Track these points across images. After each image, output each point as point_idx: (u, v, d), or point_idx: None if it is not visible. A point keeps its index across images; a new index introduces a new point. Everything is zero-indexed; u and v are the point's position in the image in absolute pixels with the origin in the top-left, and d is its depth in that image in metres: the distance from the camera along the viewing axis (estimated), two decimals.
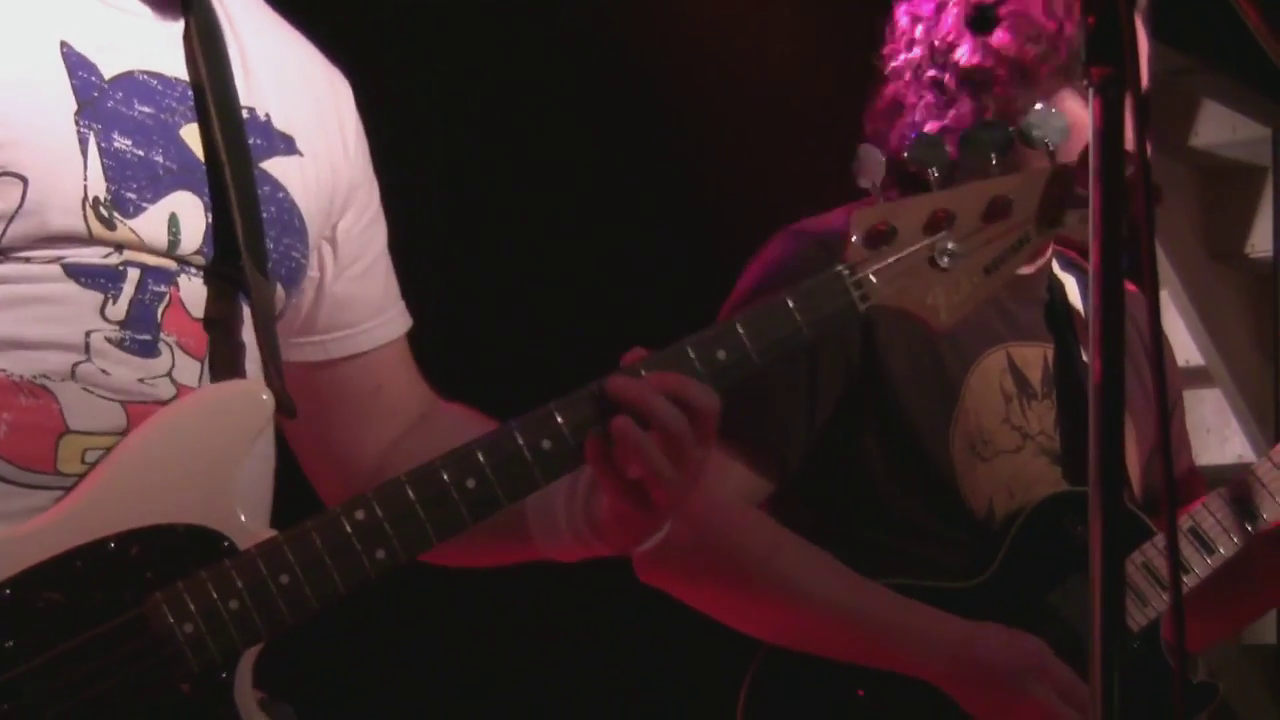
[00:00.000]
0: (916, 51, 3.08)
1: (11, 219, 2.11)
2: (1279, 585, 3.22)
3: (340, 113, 2.43)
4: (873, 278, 2.28)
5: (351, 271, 2.42)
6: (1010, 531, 2.99)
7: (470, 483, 2.17)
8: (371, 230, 2.45)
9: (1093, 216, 1.80)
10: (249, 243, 2.23)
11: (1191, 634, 3.20)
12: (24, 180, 2.11)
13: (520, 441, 2.18)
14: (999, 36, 2.97)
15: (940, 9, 3.04)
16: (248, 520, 2.16)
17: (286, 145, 2.33)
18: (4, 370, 2.12)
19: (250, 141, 2.28)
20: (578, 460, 2.19)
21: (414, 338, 2.52)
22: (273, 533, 2.17)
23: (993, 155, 2.30)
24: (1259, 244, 6.00)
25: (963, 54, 3.02)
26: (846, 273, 2.28)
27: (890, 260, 2.28)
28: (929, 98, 3.06)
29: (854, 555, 2.98)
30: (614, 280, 4.44)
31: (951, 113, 3.05)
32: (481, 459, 2.18)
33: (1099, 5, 1.78)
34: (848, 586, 2.94)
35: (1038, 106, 2.37)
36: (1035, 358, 3.11)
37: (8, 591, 2.08)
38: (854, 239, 2.28)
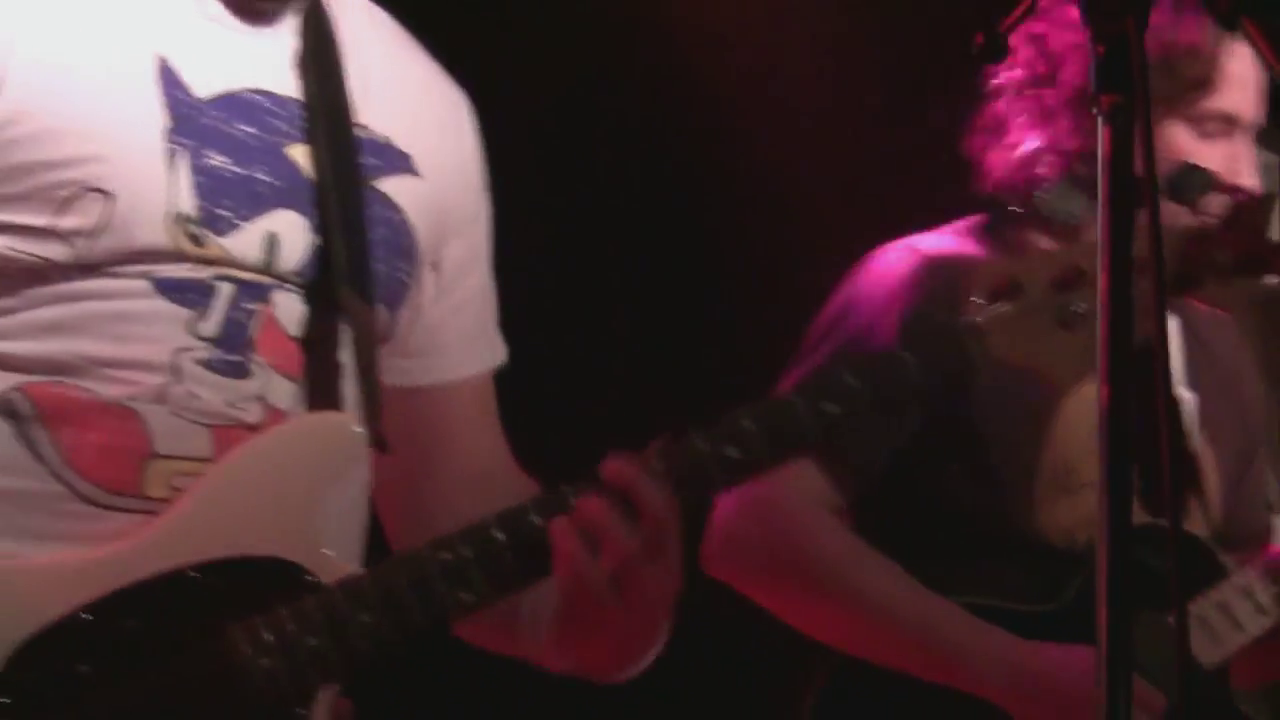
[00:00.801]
0: (1021, 70, 3.04)
1: (98, 234, 2.09)
2: None
3: (461, 137, 2.39)
4: (995, 334, 2.22)
5: (451, 299, 2.36)
6: (1088, 560, 2.97)
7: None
8: (478, 259, 2.40)
9: (1101, 243, 1.80)
10: (353, 265, 2.19)
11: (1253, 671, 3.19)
12: (110, 196, 2.08)
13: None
14: None
15: (1048, 28, 3.00)
16: (333, 555, 2.12)
17: (404, 165, 2.28)
18: (91, 391, 2.10)
19: (366, 161, 2.24)
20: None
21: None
22: (358, 569, 2.13)
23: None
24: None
25: (1072, 75, 2.98)
26: (967, 326, 2.23)
27: (1013, 317, 2.22)
28: (1030, 117, 3.02)
29: (926, 570, 2.96)
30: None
31: (1050, 133, 3.01)
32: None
33: (1109, 33, 1.79)
34: (916, 599, 2.92)
35: (1182, 161, 2.34)
36: None
37: (87, 616, 2.06)
38: (977, 292, 2.23)
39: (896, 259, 3.03)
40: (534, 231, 3.86)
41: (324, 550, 2.12)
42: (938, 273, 2.95)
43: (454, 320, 2.37)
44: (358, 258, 2.20)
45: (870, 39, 4.41)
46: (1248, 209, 2.35)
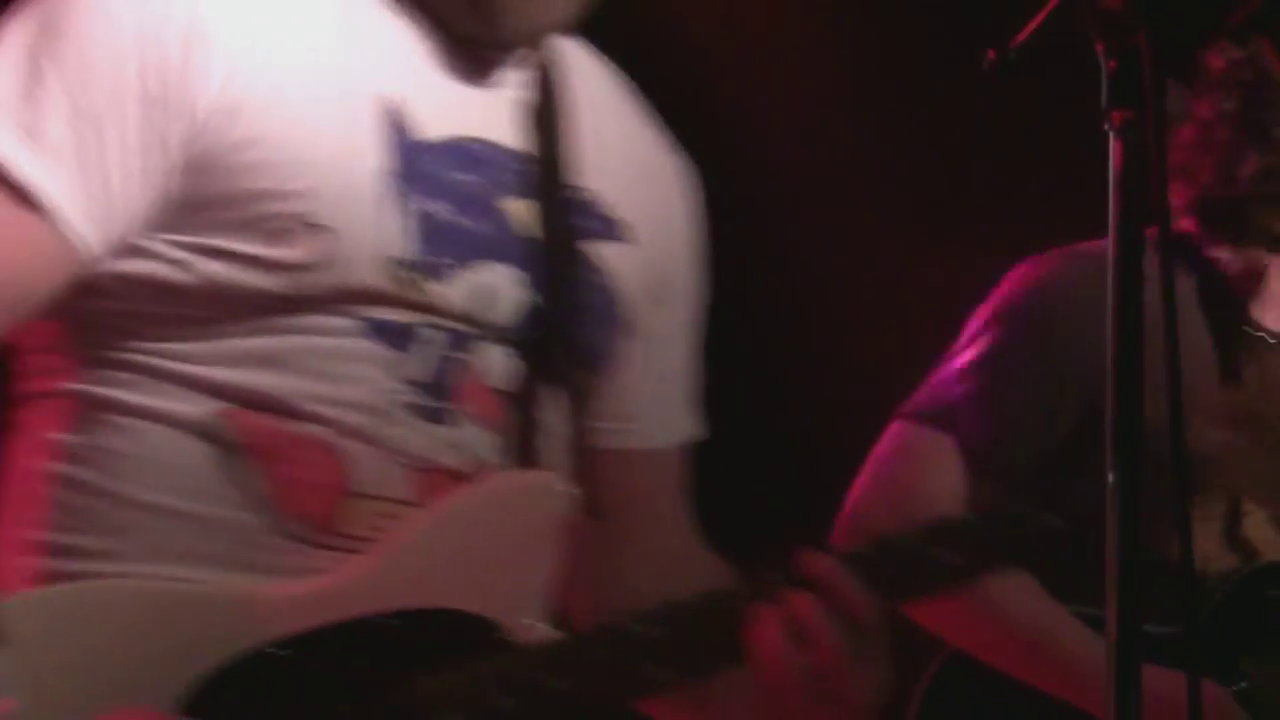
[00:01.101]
0: (1239, 93, 2.93)
1: (314, 270, 2.06)
2: None
3: (678, 207, 2.36)
4: None
5: (653, 366, 2.33)
6: (1221, 589, 2.95)
7: None
8: (683, 329, 2.37)
9: (1111, 263, 1.79)
10: (564, 325, 2.17)
11: None
12: (330, 232, 2.06)
13: None
14: None
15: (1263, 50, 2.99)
16: (532, 618, 2.10)
17: (615, 230, 2.25)
18: (294, 425, 2.08)
19: (581, 222, 2.21)
20: None
21: None
22: (557, 633, 2.11)
23: None
24: None
25: None
26: None
27: None
28: (1247, 136, 2.97)
29: (1051, 576, 2.93)
30: None
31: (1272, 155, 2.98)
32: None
33: (1120, 49, 1.77)
34: (1036, 604, 2.91)
35: None
36: None
37: (285, 652, 2.03)
38: None
39: (1065, 265, 3.03)
40: None
41: (524, 611, 2.10)
42: (1097, 283, 2.93)
43: (653, 389, 2.34)
44: (567, 318, 2.18)
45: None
46: None
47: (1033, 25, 1.82)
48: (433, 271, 2.10)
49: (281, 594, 2.05)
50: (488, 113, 2.19)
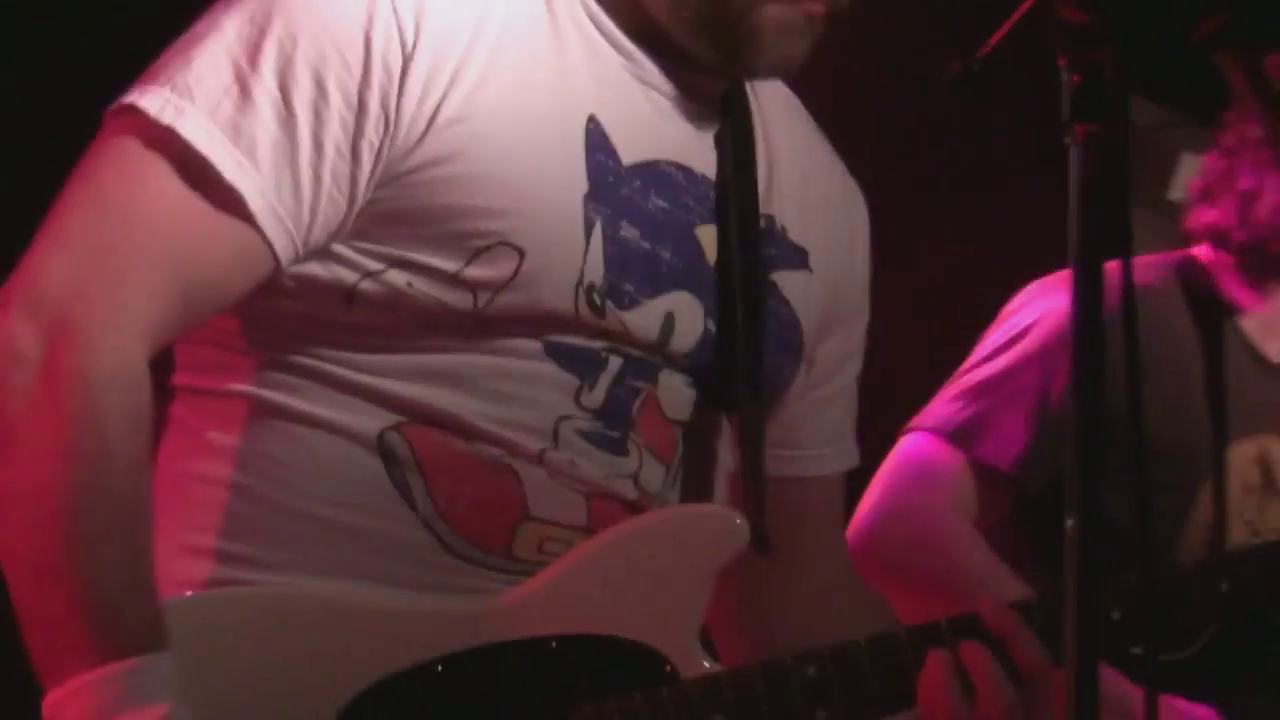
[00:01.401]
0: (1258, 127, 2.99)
1: (502, 289, 2.03)
2: None
3: (854, 233, 2.35)
4: None
5: (816, 394, 2.31)
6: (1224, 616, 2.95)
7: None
8: (851, 359, 2.36)
9: (1075, 273, 1.78)
10: (747, 356, 2.16)
11: None
12: (522, 253, 2.03)
13: None
14: None
15: None
16: (695, 649, 2.09)
17: (799, 259, 2.24)
18: (470, 444, 2.06)
19: (765, 251, 2.20)
20: None
21: None
22: (717, 667, 2.09)
23: None
24: (1182, 189, 6.00)
25: None
26: None
27: None
28: (1275, 170, 2.99)
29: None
30: None
31: None
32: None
33: (1085, 62, 1.77)
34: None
35: None
36: None
37: (440, 668, 2.02)
38: None
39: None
40: None
41: (687, 642, 2.09)
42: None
43: (816, 416, 2.33)
44: (752, 350, 2.17)
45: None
46: None
47: (996, 37, 1.81)
48: (622, 298, 2.09)
49: (449, 612, 2.04)
50: (682, 137, 2.17)
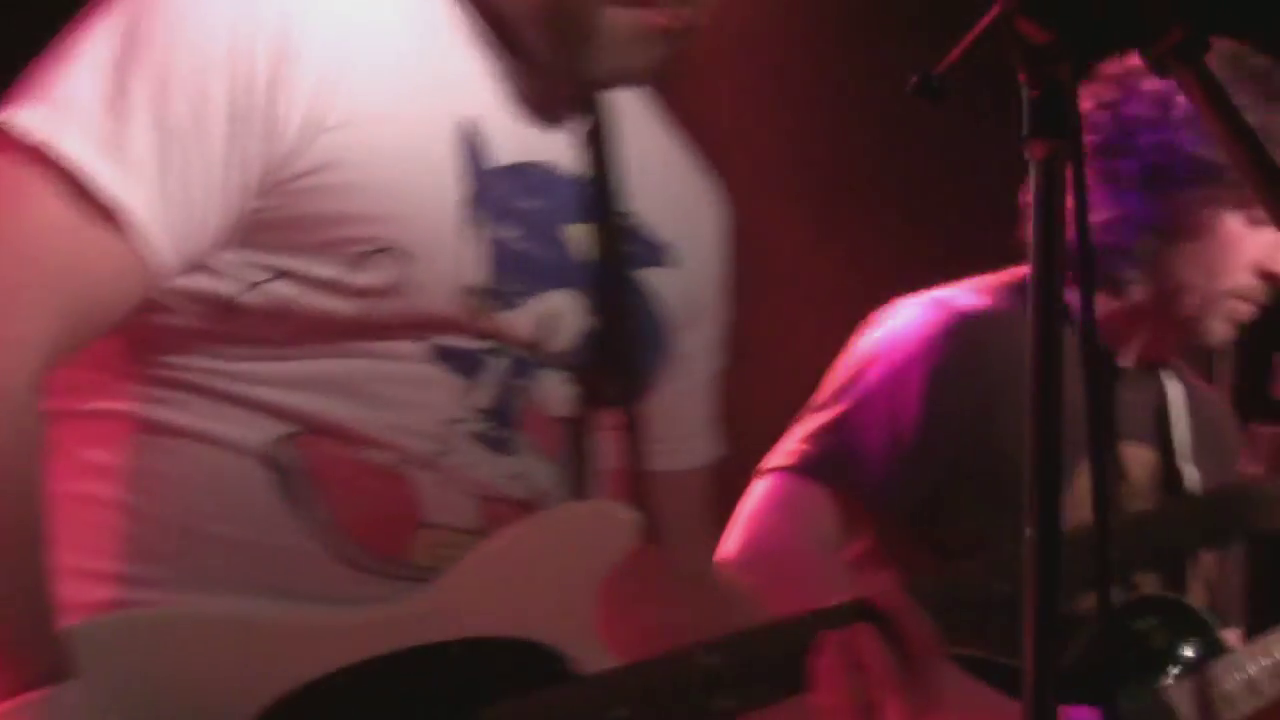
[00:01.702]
0: (1098, 136, 3.05)
1: (386, 295, 2.03)
2: None
3: (711, 227, 2.37)
4: None
5: (680, 387, 2.34)
6: (1085, 623, 2.96)
7: None
8: (710, 350, 2.39)
9: (1032, 289, 1.78)
10: (624, 351, 2.18)
11: None
12: (405, 257, 2.03)
13: None
14: (1184, 135, 2.98)
15: (1126, 96, 3.02)
16: (595, 645, 2.10)
17: (661, 256, 2.27)
18: (361, 451, 2.05)
19: (630, 247, 2.22)
20: None
21: None
22: (617, 661, 2.10)
23: None
24: None
25: (1147, 148, 3.01)
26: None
27: None
28: (1104, 182, 3.03)
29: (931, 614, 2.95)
30: None
31: (1123, 203, 3.03)
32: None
33: (1044, 78, 1.77)
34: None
35: None
36: (1146, 459, 3.09)
37: (342, 679, 2.02)
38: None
39: (925, 314, 3.02)
40: None
41: (587, 639, 2.11)
42: (969, 332, 2.94)
43: (681, 409, 2.35)
44: (627, 343, 2.19)
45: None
46: None
47: (956, 53, 1.81)
48: (502, 299, 2.10)
49: (344, 622, 2.04)
50: (548, 138, 2.18)
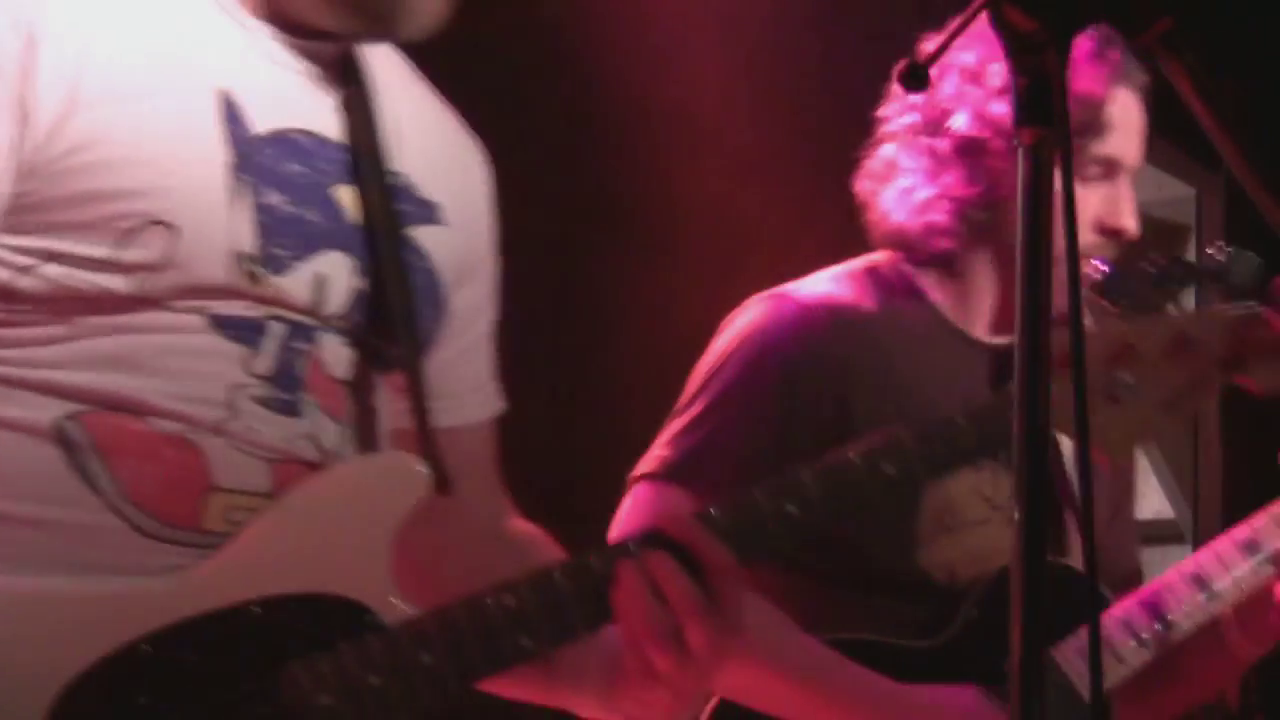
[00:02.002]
0: (913, 116, 3.09)
1: (159, 268, 2.06)
2: (1198, 684, 3.21)
3: (478, 185, 2.41)
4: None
5: (458, 344, 2.37)
6: (971, 595, 2.98)
7: None
8: (485, 307, 2.42)
9: (1020, 279, 1.79)
10: (402, 309, 2.21)
11: (1126, 710, 3.21)
12: (173, 229, 2.05)
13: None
14: (998, 110, 3.00)
15: (940, 75, 3.03)
16: (395, 596, 2.12)
17: (431, 214, 2.30)
18: (149, 422, 2.07)
19: (399, 207, 2.25)
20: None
21: None
22: (418, 610, 2.12)
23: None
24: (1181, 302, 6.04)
25: (959, 122, 3.04)
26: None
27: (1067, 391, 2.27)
28: (923, 163, 3.07)
29: (815, 607, 2.99)
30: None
31: (943, 180, 3.05)
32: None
33: (1031, 67, 1.78)
34: (794, 645, 2.93)
35: (1229, 248, 2.40)
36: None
37: (147, 647, 2.03)
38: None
39: (770, 309, 3.04)
40: None
41: (387, 590, 2.12)
42: (816, 322, 2.97)
43: (460, 365, 2.38)
44: (404, 302, 2.22)
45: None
46: None
47: (944, 42, 1.82)
48: (275, 264, 2.12)
49: (146, 592, 2.05)
50: (307, 104, 2.21)
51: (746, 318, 3.06)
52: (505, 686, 2.32)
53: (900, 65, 1.88)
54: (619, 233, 4.49)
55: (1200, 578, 3.05)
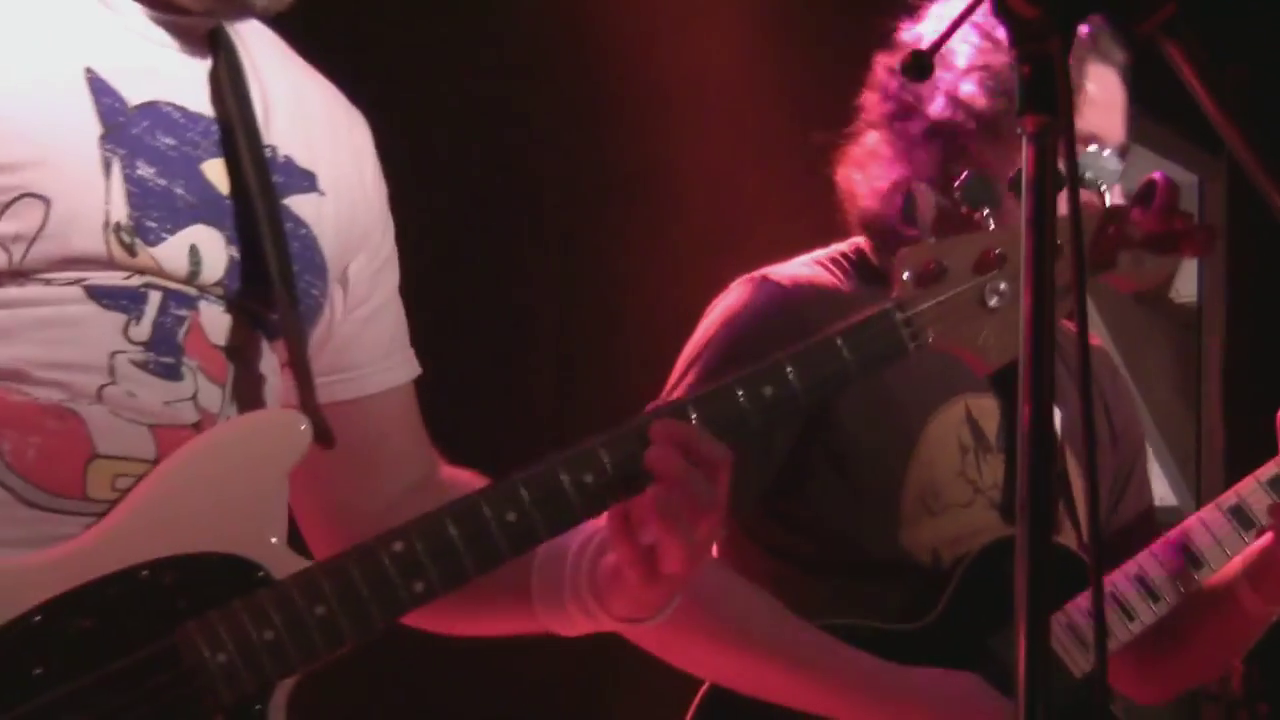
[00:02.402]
0: (890, 103, 3.11)
1: (33, 240, 2.07)
2: (1213, 648, 3.23)
3: (359, 153, 2.42)
4: (922, 317, 2.30)
5: (359, 313, 2.39)
6: (955, 575, 2.99)
7: (511, 516, 2.17)
8: (384, 273, 2.43)
9: (1024, 263, 1.81)
10: (281, 277, 2.22)
11: (1137, 683, 3.22)
12: (47, 202, 2.07)
13: (563, 477, 2.18)
14: (968, 91, 3.01)
15: None
16: (284, 550, 2.14)
17: (308, 183, 2.31)
18: (29, 394, 2.08)
19: (273, 179, 2.26)
20: (619, 494, 2.19)
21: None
22: (309, 563, 2.14)
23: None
24: (1183, 289, 6.05)
25: (934, 107, 3.06)
26: (896, 311, 2.30)
27: (940, 299, 2.30)
28: (899, 147, 3.09)
29: (802, 592, 2.99)
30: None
31: (915, 163, 3.07)
32: (524, 494, 2.18)
33: (1034, 54, 1.79)
34: (785, 630, 2.93)
35: (1090, 149, 2.40)
36: (992, 410, 3.10)
37: (38, 618, 2.04)
38: (904, 277, 2.30)
39: (753, 290, 3.07)
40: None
41: (275, 544, 2.14)
42: (796, 303, 2.98)
43: (365, 334, 2.40)
44: (280, 270, 2.22)
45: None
46: (1162, 189, 2.41)
47: (947, 33, 1.83)
48: (149, 235, 2.14)
49: (33, 563, 2.06)
50: (175, 78, 2.22)
51: (729, 299, 3.09)
52: (487, 624, 2.38)
53: (904, 57, 1.90)
54: (626, 206, 4.50)
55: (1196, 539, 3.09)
